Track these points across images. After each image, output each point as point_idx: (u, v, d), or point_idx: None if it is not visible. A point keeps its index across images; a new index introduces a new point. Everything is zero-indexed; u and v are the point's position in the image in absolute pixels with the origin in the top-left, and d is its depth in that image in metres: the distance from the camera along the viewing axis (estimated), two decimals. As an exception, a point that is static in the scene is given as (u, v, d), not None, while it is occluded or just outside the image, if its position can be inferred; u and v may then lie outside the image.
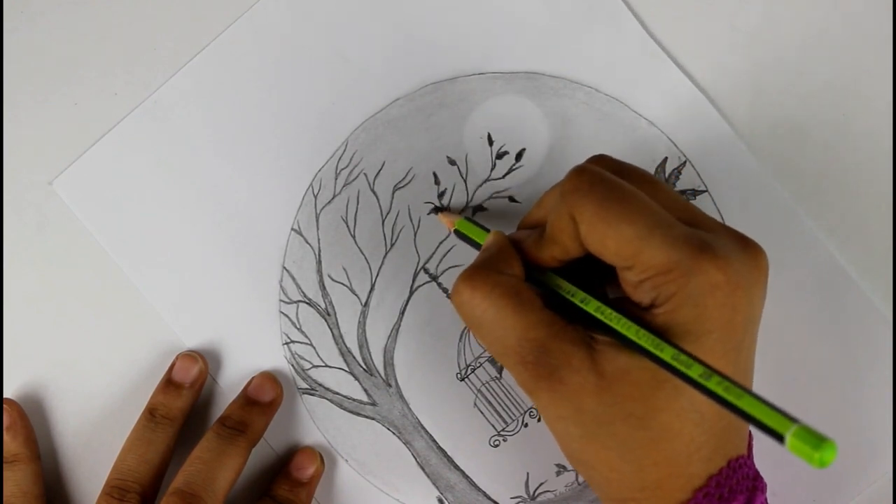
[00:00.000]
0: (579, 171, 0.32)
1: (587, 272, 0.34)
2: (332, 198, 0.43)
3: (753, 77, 0.43)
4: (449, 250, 0.43)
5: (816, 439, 0.25)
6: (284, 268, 0.43)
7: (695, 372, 0.28)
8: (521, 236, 0.35)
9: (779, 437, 0.26)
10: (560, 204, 0.32)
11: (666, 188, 0.34)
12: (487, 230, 0.38)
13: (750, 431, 0.35)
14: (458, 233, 0.39)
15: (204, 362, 0.42)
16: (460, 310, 0.33)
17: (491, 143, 0.43)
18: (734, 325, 0.31)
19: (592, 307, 0.32)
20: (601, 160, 0.35)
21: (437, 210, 0.42)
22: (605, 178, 0.32)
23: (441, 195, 0.43)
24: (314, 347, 0.43)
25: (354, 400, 0.43)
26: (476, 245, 0.38)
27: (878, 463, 0.42)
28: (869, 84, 0.42)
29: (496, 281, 0.32)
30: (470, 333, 0.43)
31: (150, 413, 0.41)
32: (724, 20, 0.43)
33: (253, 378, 0.42)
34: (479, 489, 0.43)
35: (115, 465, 0.41)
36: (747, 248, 0.32)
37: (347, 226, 0.43)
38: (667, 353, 0.29)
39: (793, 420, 0.26)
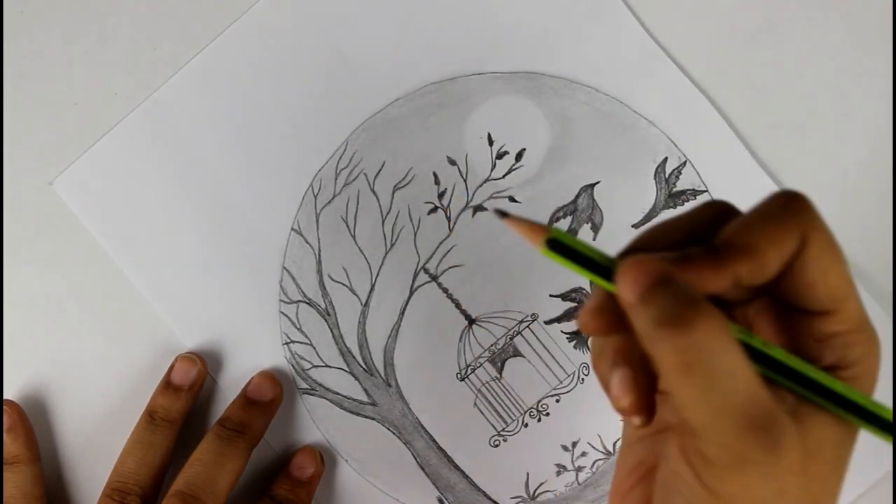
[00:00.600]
0: (802, 195, 0.28)
1: None
2: (332, 198, 0.43)
3: (753, 77, 0.43)
4: (449, 250, 0.43)
5: None
6: (284, 268, 0.43)
7: None
8: (675, 256, 0.27)
9: None
10: (787, 217, 0.27)
11: None
12: (604, 255, 0.27)
13: None
14: (554, 244, 0.26)
15: (203, 364, 0.42)
16: (689, 351, 0.25)
17: (491, 143, 0.43)
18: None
19: (780, 354, 0.26)
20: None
21: (504, 214, 0.27)
22: None
23: (441, 195, 0.43)
24: (314, 347, 0.43)
25: (354, 400, 0.43)
26: (583, 264, 0.26)
27: (878, 461, 0.42)
28: (869, 84, 0.42)
29: (727, 322, 0.25)
30: (470, 333, 0.43)
31: (150, 416, 0.41)
32: (724, 20, 0.43)
33: (252, 378, 0.42)
34: (479, 489, 0.43)
35: (115, 468, 0.41)
36: None
37: (347, 226, 0.43)
38: (883, 411, 0.25)
39: None
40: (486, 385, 0.43)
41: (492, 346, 0.43)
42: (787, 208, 0.27)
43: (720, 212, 0.29)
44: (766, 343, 0.26)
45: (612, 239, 0.42)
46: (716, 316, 0.25)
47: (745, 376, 0.25)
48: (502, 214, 0.27)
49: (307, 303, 0.43)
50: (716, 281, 0.26)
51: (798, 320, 0.27)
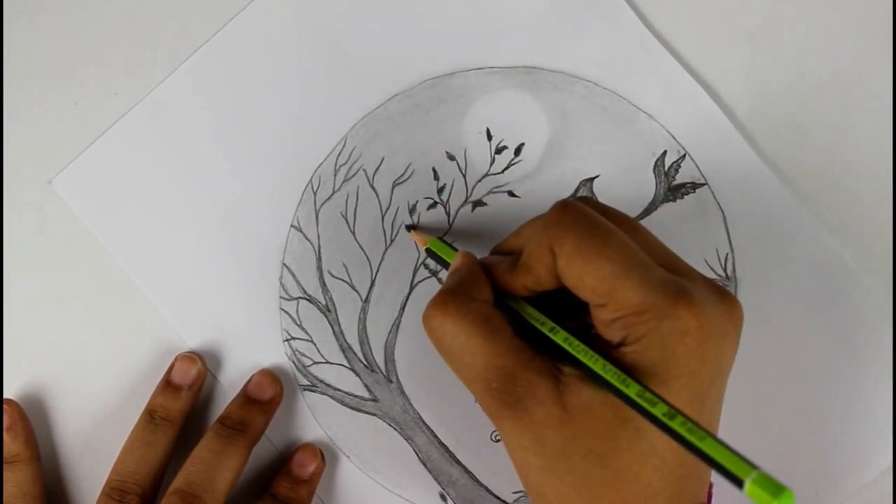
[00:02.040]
0: (564, 206, 0.33)
1: (561, 306, 0.34)
2: (332, 194, 0.43)
3: (752, 70, 0.43)
4: (449, 246, 0.43)
5: (775, 487, 0.25)
6: (284, 264, 0.43)
7: (659, 411, 0.28)
8: (494, 261, 0.35)
9: (738, 483, 0.26)
10: (541, 235, 0.32)
11: (647, 233, 0.34)
12: (457, 250, 0.37)
13: (711, 483, 0.34)
14: (429, 252, 0.39)
15: (203, 363, 0.42)
16: (431, 335, 0.33)
17: (490, 137, 0.43)
18: (701, 374, 0.31)
19: (560, 337, 0.32)
20: (586, 200, 0.35)
21: (410, 228, 0.42)
22: (588, 214, 0.32)
23: (440, 190, 0.43)
24: (315, 344, 0.43)
25: (355, 396, 0.43)
26: (447, 265, 0.38)
27: (878, 456, 0.42)
28: (869, 83, 0.43)
29: (468, 308, 0.33)
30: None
31: (150, 415, 0.41)
32: (724, 16, 0.43)
33: (252, 376, 0.42)
34: (481, 484, 0.42)
35: (114, 467, 0.40)
36: (723, 298, 0.32)
37: (347, 222, 0.43)
38: (632, 390, 0.29)
39: (753, 466, 0.26)
40: (488, 381, 0.42)
41: (493, 341, 0.42)
42: (545, 227, 0.32)
43: None
44: (555, 328, 0.32)
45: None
46: (454, 310, 0.32)
47: (481, 351, 0.32)
48: (409, 228, 0.42)
49: (307, 299, 0.43)
50: (513, 287, 0.34)
51: (592, 310, 0.32)
